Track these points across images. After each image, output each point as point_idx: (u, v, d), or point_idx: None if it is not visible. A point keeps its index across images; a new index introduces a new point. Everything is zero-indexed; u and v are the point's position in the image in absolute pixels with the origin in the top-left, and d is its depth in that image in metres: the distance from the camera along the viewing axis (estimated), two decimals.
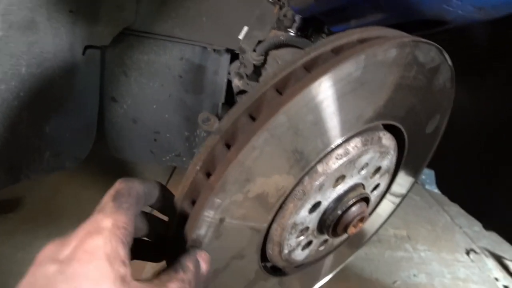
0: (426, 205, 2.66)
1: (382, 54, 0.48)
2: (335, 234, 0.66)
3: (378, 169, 0.68)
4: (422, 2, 0.45)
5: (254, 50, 0.75)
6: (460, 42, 0.97)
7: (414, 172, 0.88)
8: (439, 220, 2.51)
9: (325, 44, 0.48)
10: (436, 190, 1.41)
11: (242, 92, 0.75)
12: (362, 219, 0.66)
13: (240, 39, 0.80)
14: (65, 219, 1.75)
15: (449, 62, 0.60)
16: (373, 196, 0.75)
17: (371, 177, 0.68)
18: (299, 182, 0.55)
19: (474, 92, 1.13)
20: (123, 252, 0.37)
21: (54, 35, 0.94)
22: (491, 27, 0.99)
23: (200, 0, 1.08)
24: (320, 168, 0.56)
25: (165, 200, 0.50)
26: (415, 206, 2.63)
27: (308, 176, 0.56)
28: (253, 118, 0.44)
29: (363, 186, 0.68)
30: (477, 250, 2.23)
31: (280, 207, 0.57)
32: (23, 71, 0.91)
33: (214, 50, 1.16)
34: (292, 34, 0.75)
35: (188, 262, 0.44)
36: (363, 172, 0.65)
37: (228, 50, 1.12)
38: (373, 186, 0.72)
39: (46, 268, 0.35)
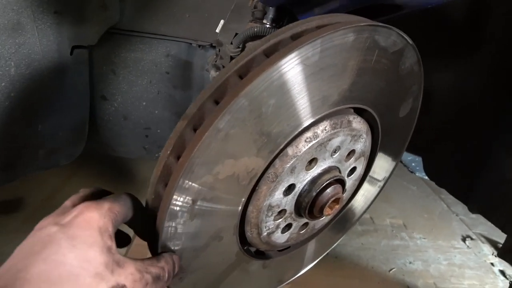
0: (422, 194, 2.68)
1: (339, 39, 0.50)
2: (312, 215, 0.69)
3: (352, 152, 0.71)
4: None
5: (231, 43, 0.78)
6: (436, 24, 0.99)
7: (395, 155, 0.91)
8: (436, 209, 2.53)
9: (285, 31, 0.50)
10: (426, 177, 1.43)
11: None
12: (337, 201, 0.69)
13: (217, 33, 0.82)
14: None
15: (413, 45, 0.62)
16: (351, 180, 0.78)
17: (345, 160, 0.71)
18: (271, 164, 0.58)
19: (457, 76, 1.15)
20: (111, 229, 0.45)
21: (41, 36, 0.97)
22: (468, 9, 1.01)
23: (181, 2, 1.10)
24: (290, 151, 0.58)
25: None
26: (411, 195, 2.65)
27: (279, 159, 0.58)
28: (217, 103, 0.47)
29: (338, 169, 0.71)
30: (473, 237, 2.25)
31: (254, 190, 0.59)
32: (13, 72, 0.95)
33: (199, 46, 1.19)
34: (268, 25, 0.77)
35: (168, 257, 0.52)
36: (336, 155, 0.67)
37: (213, 45, 1.15)
38: (349, 169, 0.74)
39: (48, 228, 0.43)
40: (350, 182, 0.78)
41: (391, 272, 1.88)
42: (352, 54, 0.54)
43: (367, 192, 0.94)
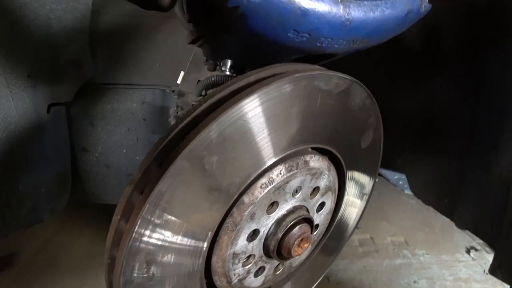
0: (422, 208, 2.63)
1: (276, 91, 0.52)
2: (281, 257, 0.69)
3: (316, 189, 0.72)
4: (298, 44, 0.50)
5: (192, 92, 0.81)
6: (394, 53, 1.03)
7: (370, 177, 0.90)
8: (437, 222, 2.48)
9: (224, 89, 0.53)
10: None
11: None
12: (305, 240, 0.69)
13: (178, 84, 0.86)
14: (58, 269, 1.77)
15: (358, 82, 0.65)
16: (321, 215, 0.78)
17: (310, 198, 0.72)
18: (228, 214, 0.59)
19: (422, 98, 1.17)
20: None
21: (16, 100, 1.01)
22: (423, 34, 1.05)
23: (151, 49, 1.15)
24: (246, 199, 0.59)
25: None
26: (411, 210, 2.61)
27: (236, 208, 0.59)
28: (160, 165, 0.49)
29: (305, 208, 0.71)
30: (478, 247, 2.19)
31: (215, 240, 0.60)
32: None
33: (173, 91, 1.23)
34: (227, 72, 0.80)
35: None
36: (299, 195, 0.68)
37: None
38: (316, 206, 0.75)
39: None
40: (321, 217, 0.79)
41: None
42: (293, 102, 0.56)
43: (354, 207, 0.92)
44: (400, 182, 1.76)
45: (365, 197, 0.94)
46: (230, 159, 0.53)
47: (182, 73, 0.86)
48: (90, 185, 1.32)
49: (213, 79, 0.78)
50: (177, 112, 0.81)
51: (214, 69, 0.73)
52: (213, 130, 0.48)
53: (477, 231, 1.12)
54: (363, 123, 0.75)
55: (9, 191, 1.07)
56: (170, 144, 0.50)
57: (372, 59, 0.98)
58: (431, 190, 1.29)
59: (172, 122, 0.82)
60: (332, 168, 0.75)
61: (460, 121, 1.07)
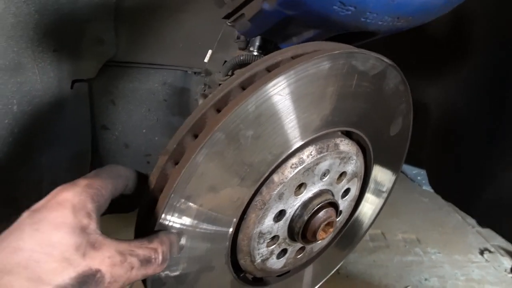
0: (435, 207, 2.61)
1: (314, 68, 0.51)
2: (305, 240, 0.68)
3: (343, 174, 0.71)
4: (341, 18, 0.48)
5: (220, 72, 0.80)
6: (421, 41, 1.00)
7: (393, 169, 0.89)
8: (450, 221, 2.45)
9: (260, 64, 0.52)
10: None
11: None
12: (330, 224, 0.68)
13: (205, 62, 0.85)
14: None
15: (394, 66, 0.63)
16: (345, 201, 0.77)
17: (337, 183, 0.70)
18: (257, 192, 0.58)
19: (447, 91, 1.14)
20: (90, 206, 0.40)
21: (41, 73, 1.01)
22: (451, 21, 1.01)
23: (175, 28, 1.14)
24: (276, 178, 0.59)
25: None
26: (424, 208, 2.58)
27: (265, 187, 0.58)
28: (196, 137, 0.48)
29: (331, 192, 0.70)
30: (492, 249, 2.16)
31: (242, 218, 0.59)
32: (15, 109, 0.99)
33: (195, 72, 1.22)
34: (255, 52, 0.79)
35: (164, 236, 0.46)
36: (326, 178, 0.67)
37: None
38: (342, 191, 0.74)
39: (21, 216, 0.40)
40: (345, 203, 0.78)
41: None
42: (329, 81, 0.55)
43: (371, 204, 0.91)
44: (419, 178, 1.73)
45: (384, 195, 0.93)
46: (264, 135, 0.52)
47: (210, 52, 0.85)
48: (109, 163, 1.32)
49: (241, 58, 0.77)
50: (204, 91, 0.80)
51: (246, 47, 0.72)
52: (251, 103, 0.47)
53: (498, 229, 1.10)
54: (394, 109, 0.73)
55: (31, 164, 1.08)
56: (205, 117, 0.49)
57: (399, 47, 0.95)
58: (452, 186, 1.26)
59: (200, 100, 0.81)
60: (360, 154, 0.73)
61: (485, 115, 1.04)
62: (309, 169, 0.62)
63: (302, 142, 0.57)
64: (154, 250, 0.43)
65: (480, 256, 2.10)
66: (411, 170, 1.64)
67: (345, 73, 0.56)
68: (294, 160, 0.59)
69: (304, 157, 0.60)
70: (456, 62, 1.06)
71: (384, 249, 2.11)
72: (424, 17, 0.51)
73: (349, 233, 0.93)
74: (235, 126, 0.47)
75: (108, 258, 0.39)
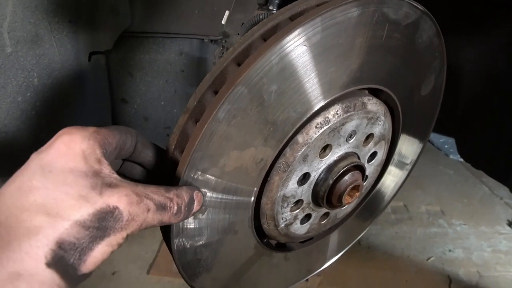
0: (461, 179, 2.53)
1: (342, 15, 0.47)
2: (331, 205, 0.66)
3: (370, 136, 0.67)
4: None
5: (238, 34, 0.76)
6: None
7: (421, 136, 0.85)
8: (477, 193, 2.37)
9: (283, 13, 0.48)
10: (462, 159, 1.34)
11: None
12: (356, 188, 0.65)
13: (222, 24, 0.81)
14: None
15: (429, 15, 0.57)
16: (372, 166, 0.74)
17: (363, 145, 0.67)
18: (280, 154, 0.56)
19: (486, 51, 1.06)
20: (99, 152, 0.40)
21: (59, 45, 1.00)
22: None
23: None
24: (300, 138, 0.56)
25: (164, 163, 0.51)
26: (448, 180, 2.51)
27: (289, 148, 0.56)
28: (217, 93, 0.46)
29: (357, 155, 0.67)
30: None
31: (266, 181, 0.58)
32: (36, 82, 0.99)
33: (212, 41, 1.18)
34: (274, 11, 0.75)
35: (184, 192, 0.45)
36: (352, 140, 0.64)
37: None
38: (368, 155, 0.70)
39: (30, 159, 0.39)
40: (371, 168, 0.74)
41: (429, 261, 1.79)
42: (358, 30, 0.50)
43: (393, 176, 0.89)
44: (446, 146, 1.66)
45: (408, 167, 0.89)
46: (289, 91, 0.49)
47: (227, 13, 0.81)
48: None
49: (260, 17, 0.73)
50: (222, 53, 0.77)
51: (265, 5, 0.68)
52: (274, 55, 0.44)
53: None
54: (426, 66, 0.68)
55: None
56: (225, 71, 0.47)
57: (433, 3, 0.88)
58: (483, 154, 1.20)
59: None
60: (388, 115, 0.69)
61: None
62: (334, 130, 0.58)
63: (328, 100, 0.54)
64: (170, 199, 0.43)
65: (508, 228, 2.04)
66: (438, 139, 1.56)
67: (375, 22, 0.51)
68: (319, 119, 0.56)
69: (330, 116, 0.57)
70: (496, 19, 0.97)
71: (407, 221, 2.08)
72: None
73: (371, 205, 0.91)
74: (258, 80, 0.45)
75: (126, 196, 0.38)
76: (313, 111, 0.54)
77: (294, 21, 0.45)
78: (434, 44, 0.64)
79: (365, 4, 0.48)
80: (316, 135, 0.56)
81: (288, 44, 0.45)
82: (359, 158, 0.68)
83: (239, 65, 0.46)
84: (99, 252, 0.37)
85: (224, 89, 0.44)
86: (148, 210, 0.40)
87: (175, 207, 0.43)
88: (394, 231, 2.00)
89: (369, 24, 0.51)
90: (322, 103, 0.54)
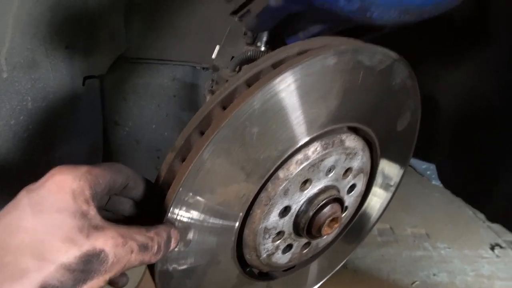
0: (446, 201, 2.57)
1: (320, 64, 0.51)
2: (311, 235, 0.69)
3: (348, 170, 0.71)
4: (347, 13, 0.48)
5: (228, 67, 0.80)
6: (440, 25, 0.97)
7: (400, 166, 0.89)
8: (461, 216, 2.42)
9: (266, 60, 0.52)
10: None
11: None
12: (335, 220, 0.68)
13: (213, 58, 0.86)
14: None
15: (402, 60, 0.62)
16: (351, 197, 0.77)
17: (343, 179, 0.71)
18: (263, 188, 0.59)
19: (469, 76, 1.11)
20: (88, 193, 0.41)
21: (54, 70, 1.04)
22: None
23: (184, 24, 1.15)
24: (281, 174, 0.59)
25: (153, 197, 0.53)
26: (434, 202, 2.55)
27: (270, 183, 0.59)
28: (203, 134, 0.49)
29: (336, 188, 0.71)
30: (503, 245, 2.13)
31: (248, 214, 0.61)
32: (30, 106, 1.02)
33: (204, 68, 1.23)
34: (262, 47, 0.79)
35: (163, 230, 0.46)
36: (332, 174, 0.67)
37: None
38: (348, 187, 0.74)
39: (17, 196, 0.40)
40: (351, 199, 0.78)
41: (413, 285, 1.81)
42: (335, 76, 0.55)
43: (379, 197, 0.91)
44: (428, 172, 1.71)
45: (392, 189, 0.93)
46: (270, 132, 0.52)
47: (217, 47, 0.86)
48: (120, 158, 1.35)
49: (248, 54, 0.77)
50: (212, 87, 0.81)
51: (253, 42, 0.72)
52: (256, 100, 0.48)
53: (508, 225, 1.08)
54: (401, 104, 0.72)
55: (45, 160, 1.11)
56: (211, 114, 0.50)
57: (409, 35, 0.93)
58: (462, 181, 1.24)
59: (207, 96, 0.82)
60: (366, 149, 0.73)
61: (503, 106, 1.01)
62: (314, 165, 0.62)
63: (308, 139, 0.58)
64: (151, 238, 0.44)
65: (490, 252, 2.07)
66: (420, 165, 1.62)
67: (351, 68, 0.56)
68: (299, 156, 0.60)
69: (310, 153, 0.61)
70: (470, 51, 1.03)
71: (393, 244, 2.11)
72: (434, 9, 0.51)
73: (356, 227, 0.94)
74: (241, 123, 0.48)
75: (111, 239, 0.39)
76: (294, 149, 0.57)
77: (275, 69, 0.50)
78: (408, 85, 0.69)
79: (341, 53, 0.53)
80: (297, 171, 0.60)
81: (269, 91, 0.49)
82: (338, 191, 0.71)
83: (224, 108, 0.50)
84: None
85: (209, 131, 0.48)
86: (132, 251, 0.41)
87: (156, 246, 0.44)
88: (380, 254, 2.02)
89: (345, 70, 0.55)
90: (302, 142, 0.57)
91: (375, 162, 0.79)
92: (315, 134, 0.59)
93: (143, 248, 0.43)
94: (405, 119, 0.77)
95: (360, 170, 0.74)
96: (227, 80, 0.81)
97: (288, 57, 0.53)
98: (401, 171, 0.91)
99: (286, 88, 0.50)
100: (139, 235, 0.43)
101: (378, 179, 0.83)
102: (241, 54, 0.79)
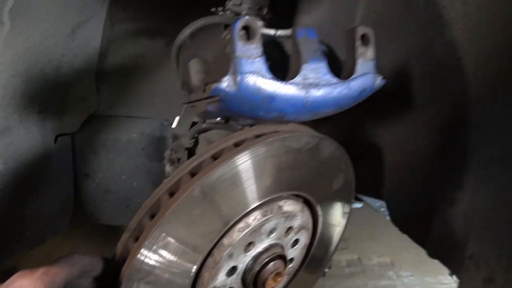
0: None
1: (251, 155, 0.63)
2: None
3: (290, 229, 0.82)
4: (269, 119, 0.61)
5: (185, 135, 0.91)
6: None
7: (342, 211, 0.99)
8: None
9: (207, 152, 0.63)
10: None
11: None
12: (278, 274, 0.78)
13: (173, 128, 0.96)
14: None
15: (326, 138, 0.75)
16: (296, 250, 0.88)
17: (285, 236, 0.81)
18: (209, 254, 0.69)
19: (400, 136, 1.28)
20: None
21: (27, 133, 1.11)
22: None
23: (151, 85, 1.26)
24: (225, 241, 0.69)
25: (110, 272, 0.58)
26: (399, 231, 2.70)
27: (216, 249, 0.69)
28: (153, 217, 0.59)
29: (280, 245, 0.81)
30: None
31: (198, 276, 0.70)
32: (1, 168, 1.08)
33: (171, 123, 1.33)
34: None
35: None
36: (273, 235, 0.78)
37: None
38: (291, 242, 0.84)
39: None
40: (296, 251, 0.88)
41: None
42: (267, 161, 0.67)
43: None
44: (382, 209, 1.84)
45: (339, 228, 1.03)
46: (211, 210, 0.63)
47: (177, 118, 0.97)
48: (91, 207, 1.41)
49: (203, 126, 0.89)
50: (171, 156, 0.91)
51: (205, 121, 0.84)
52: (196, 189, 0.58)
53: (444, 261, 1.21)
54: (333, 169, 0.85)
55: (15, 216, 1.16)
56: (160, 200, 0.60)
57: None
58: (407, 219, 1.38)
59: (167, 165, 0.92)
60: (306, 209, 0.85)
61: (432, 159, 1.17)
62: (255, 230, 0.72)
63: (247, 210, 0.69)
64: None
65: (449, 278, 2.22)
66: (374, 203, 1.76)
67: (280, 153, 0.68)
68: (241, 224, 0.70)
69: (250, 221, 0.71)
70: (403, 113, 1.20)
71: (360, 274, 2.22)
72: (337, 111, 0.64)
73: (316, 259, 1.01)
74: (184, 208, 0.58)
75: None
76: (235, 220, 0.68)
77: (214, 162, 0.61)
78: (336, 155, 0.82)
79: (269, 144, 0.65)
80: (239, 237, 0.70)
81: (207, 180, 0.59)
82: (282, 247, 0.81)
83: (171, 194, 0.60)
84: None
85: (158, 216, 0.58)
86: None
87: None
88: (348, 285, 2.11)
89: (276, 155, 0.67)
90: (242, 214, 0.68)
91: (316, 217, 0.91)
92: (253, 206, 0.69)
93: None
94: (340, 179, 0.89)
95: (302, 227, 0.85)
96: (186, 148, 0.92)
97: (227, 148, 0.64)
98: (345, 217, 1.02)
99: (221, 177, 0.61)
100: None
101: (325, 223, 0.93)
102: (197, 125, 0.90)
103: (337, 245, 1.09)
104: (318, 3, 1.10)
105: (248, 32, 0.50)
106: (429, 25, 0.88)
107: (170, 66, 1.23)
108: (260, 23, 0.52)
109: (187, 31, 0.81)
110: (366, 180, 1.56)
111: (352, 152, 1.46)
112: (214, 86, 0.50)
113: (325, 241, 1.01)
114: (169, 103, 1.29)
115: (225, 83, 0.50)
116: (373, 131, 1.35)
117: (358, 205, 1.83)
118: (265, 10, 0.88)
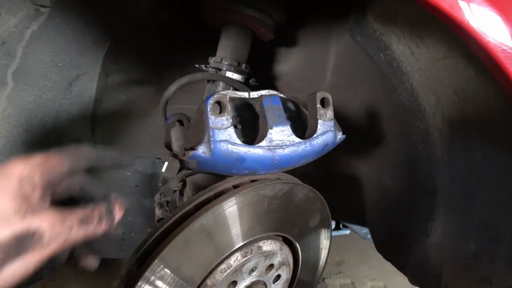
0: None
1: (228, 205, 0.71)
2: None
3: (270, 266, 0.89)
4: (244, 175, 0.69)
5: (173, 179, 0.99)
6: None
7: (325, 241, 1.05)
8: None
9: (189, 204, 0.71)
10: None
11: (160, 220, 0.99)
12: None
13: (162, 172, 1.04)
14: None
15: (300, 183, 0.83)
16: (278, 285, 0.94)
17: (266, 273, 0.88)
18: None
19: (379, 165, 1.37)
20: (39, 180, 0.44)
21: None
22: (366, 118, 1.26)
23: (143, 129, 1.35)
24: (209, 281, 0.76)
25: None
26: None
27: None
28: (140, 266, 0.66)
29: (262, 281, 0.88)
30: None
31: None
32: None
33: (162, 161, 1.42)
34: None
35: (102, 203, 0.51)
36: (255, 273, 0.84)
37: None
38: (272, 278, 0.91)
39: None
40: (278, 286, 0.95)
41: None
42: (243, 209, 0.74)
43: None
44: (368, 236, 1.90)
45: (324, 251, 1.08)
46: (193, 257, 0.70)
47: (166, 163, 1.05)
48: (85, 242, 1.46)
49: (190, 171, 0.97)
50: (160, 199, 0.99)
51: None
52: (179, 239, 0.66)
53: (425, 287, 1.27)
54: (309, 209, 0.93)
55: None
56: (150, 247, 0.68)
57: None
58: (389, 247, 1.45)
59: (156, 208, 1.00)
60: (285, 247, 0.92)
61: (405, 192, 1.26)
62: (237, 270, 0.79)
63: (227, 254, 0.76)
64: (90, 211, 0.48)
65: None
66: (361, 230, 1.83)
67: (256, 200, 0.76)
68: (223, 266, 0.77)
69: (231, 262, 0.78)
70: (375, 148, 1.29)
71: None
72: (305, 163, 0.73)
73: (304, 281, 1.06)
74: (171, 257, 0.66)
75: (48, 219, 0.42)
76: (216, 263, 0.75)
77: (194, 215, 0.69)
78: (311, 197, 0.90)
79: (245, 194, 0.73)
80: (222, 278, 0.77)
81: (191, 230, 0.67)
82: (264, 283, 0.88)
83: (159, 242, 0.68)
84: (11, 270, 0.40)
85: (146, 264, 0.65)
86: (72, 227, 0.44)
87: (96, 218, 0.48)
88: None
89: (251, 202, 0.75)
90: (222, 257, 0.75)
91: (296, 253, 0.98)
92: (233, 249, 0.77)
93: (83, 221, 0.46)
94: (316, 218, 0.97)
95: (282, 263, 0.92)
96: (174, 191, 0.99)
97: (208, 199, 0.72)
98: (327, 248, 1.08)
99: (201, 226, 0.69)
100: (79, 212, 0.46)
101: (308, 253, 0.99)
102: (184, 171, 0.98)
103: (324, 266, 1.14)
104: (293, 54, 1.22)
105: (220, 105, 0.60)
106: (391, 75, 0.98)
107: (159, 112, 1.33)
108: (230, 95, 0.61)
109: (172, 88, 0.90)
110: (351, 209, 1.64)
111: (336, 183, 1.55)
112: (191, 153, 0.59)
113: (310, 266, 1.07)
114: (160, 144, 1.38)
115: (201, 150, 0.58)
116: (352, 164, 1.45)
117: (345, 231, 1.89)
118: (243, 65, 0.98)
